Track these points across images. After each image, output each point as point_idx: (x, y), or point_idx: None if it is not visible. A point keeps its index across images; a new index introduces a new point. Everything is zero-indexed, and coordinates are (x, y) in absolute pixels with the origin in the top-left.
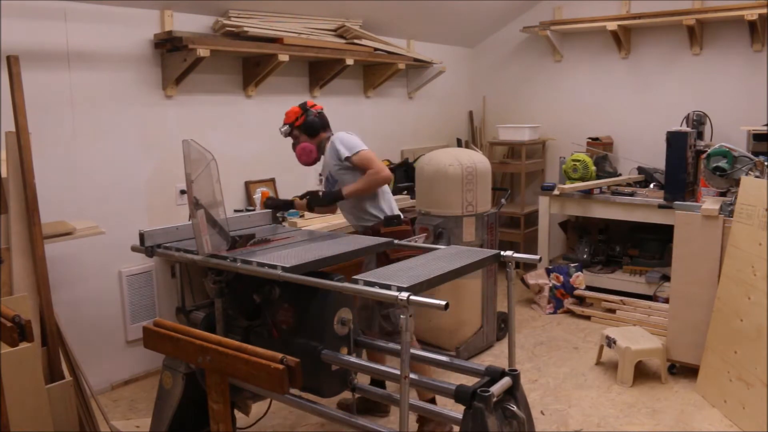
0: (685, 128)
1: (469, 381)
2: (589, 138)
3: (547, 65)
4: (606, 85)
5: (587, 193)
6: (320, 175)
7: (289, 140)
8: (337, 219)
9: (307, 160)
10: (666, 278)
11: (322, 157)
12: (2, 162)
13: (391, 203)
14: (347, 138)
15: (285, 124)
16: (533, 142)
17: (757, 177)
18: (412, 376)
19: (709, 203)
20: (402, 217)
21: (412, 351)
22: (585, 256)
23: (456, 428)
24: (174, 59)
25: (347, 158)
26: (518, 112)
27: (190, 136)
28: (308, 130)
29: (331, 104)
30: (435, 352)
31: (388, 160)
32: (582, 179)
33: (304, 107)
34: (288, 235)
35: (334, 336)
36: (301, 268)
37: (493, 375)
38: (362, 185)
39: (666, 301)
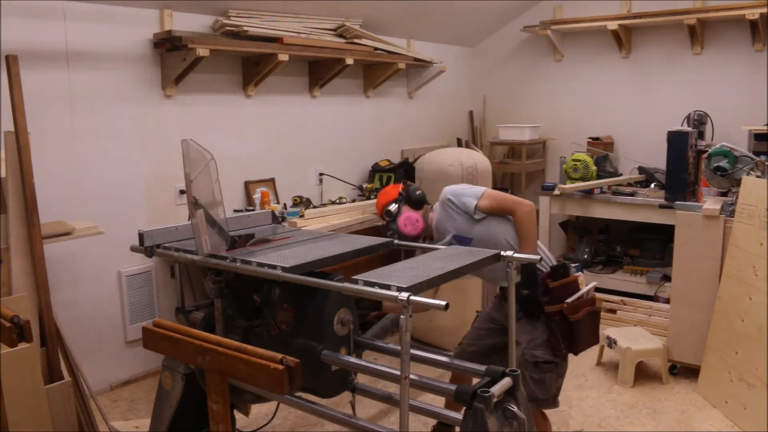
0: (686, 128)
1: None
2: (590, 138)
3: (547, 65)
4: (607, 85)
5: (588, 193)
6: (423, 239)
7: (285, 141)
8: (337, 219)
9: (413, 231)
10: (667, 278)
11: (433, 228)
12: (1, 162)
13: (543, 247)
14: (459, 188)
15: (389, 203)
16: (534, 141)
17: (758, 177)
18: (412, 376)
19: (710, 203)
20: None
21: (413, 351)
22: (586, 256)
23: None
24: (173, 59)
25: (477, 207)
26: (518, 111)
27: (190, 136)
28: (413, 203)
29: (331, 104)
30: (435, 352)
31: (388, 160)
32: (582, 179)
33: (404, 184)
34: (288, 235)
35: (334, 336)
36: (300, 268)
37: (494, 375)
38: (530, 231)
39: (667, 301)
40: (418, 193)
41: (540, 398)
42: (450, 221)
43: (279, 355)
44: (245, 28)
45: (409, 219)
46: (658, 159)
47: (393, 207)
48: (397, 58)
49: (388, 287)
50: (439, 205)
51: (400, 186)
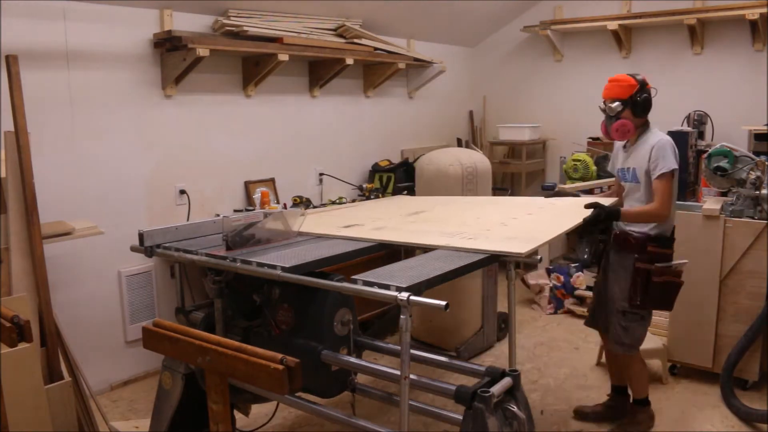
0: (686, 128)
1: (470, 381)
2: (590, 138)
3: (547, 65)
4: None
5: (588, 193)
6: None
7: (285, 141)
8: None
9: (620, 138)
10: None
11: (625, 143)
12: (1, 162)
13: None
14: (670, 151)
15: (615, 99)
16: (534, 141)
17: (757, 176)
18: (412, 376)
19: (710, 203)
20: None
21: (413, 351)
22: (586, 256)
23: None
24: (173, 59)
25: (655, 176)
26: (518, 111)
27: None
28: (638, 110)
29: (331, 104)
30: (435, 353)
31: (388, 160)
32: (582, 179)
33: (641, 82)
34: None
35: (334, 336)
36: (300, 268)
37: (494, 375)
38: (636, 218)
39: None
40: (648, 101)
41: (625, 343)
42: (641, 154)
43: (279, 355)
44: (245, 28)
45: (624, 126)
46: None
47: (617, 105)
48: (397, 58)
49: (387, 287)
50: (659, 139)
51: (633, 82)
